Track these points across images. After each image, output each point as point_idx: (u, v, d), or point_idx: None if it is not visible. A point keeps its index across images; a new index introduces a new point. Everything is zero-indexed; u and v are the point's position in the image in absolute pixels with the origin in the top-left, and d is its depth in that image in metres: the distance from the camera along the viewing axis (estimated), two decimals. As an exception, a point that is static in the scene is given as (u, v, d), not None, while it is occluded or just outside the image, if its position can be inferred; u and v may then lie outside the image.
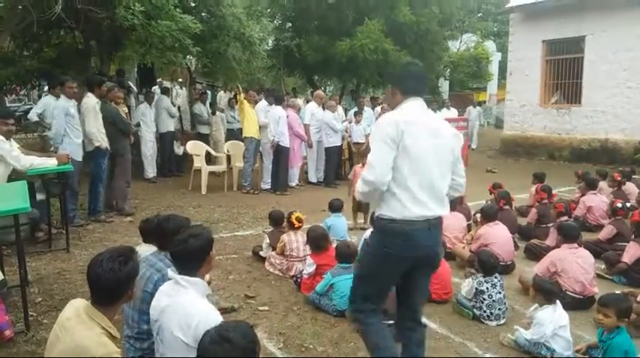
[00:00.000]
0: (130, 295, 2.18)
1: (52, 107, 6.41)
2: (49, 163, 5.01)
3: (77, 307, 2.10)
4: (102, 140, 6.42)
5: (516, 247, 5.57)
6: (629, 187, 7.43)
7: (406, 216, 2.58)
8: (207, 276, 3.79)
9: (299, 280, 4.47)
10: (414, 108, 2.70)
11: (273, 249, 5.04)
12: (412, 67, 2.91)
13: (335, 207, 5.78)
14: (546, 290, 3.49)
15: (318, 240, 4.37)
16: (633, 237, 4.97)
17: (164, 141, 9.95)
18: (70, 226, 5.88)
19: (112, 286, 2.10)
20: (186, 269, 2.44)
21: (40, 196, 5.64)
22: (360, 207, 6.46)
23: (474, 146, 15.78)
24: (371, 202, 2.87)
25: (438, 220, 2.71)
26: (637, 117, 11.85)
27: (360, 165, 6.56)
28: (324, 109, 9.80)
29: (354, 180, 6.41)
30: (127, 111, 7.52)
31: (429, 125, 2.66)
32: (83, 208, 6.66)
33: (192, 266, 2.45)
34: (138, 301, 2.77)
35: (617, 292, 4.01)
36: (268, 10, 14.13)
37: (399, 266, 2.70)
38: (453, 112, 13.36)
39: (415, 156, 2.56)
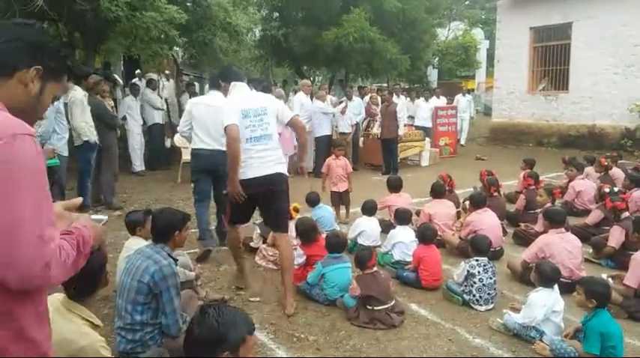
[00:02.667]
0: (104, 282, 2.23)
1: None
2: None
3: (54, 302, 2.11)
4: (90, 134, 6.34)
5: (505, 233, 5.62)
6: (616, 172, 7.50)
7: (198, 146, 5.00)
8: (196, 269, 3.79)
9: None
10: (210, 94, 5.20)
11: (264, 240, 5.03)
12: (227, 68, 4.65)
13: (313, 201, 5.76)
14: (544, 273, 3.52)
15: (307, 232, 4.37)
16: (622, 220, 5.03)
17: (151, 133, 9.87)
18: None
19: (87, 279, 2.10)
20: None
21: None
22: (340, 200, 6.42)
23: (462, 142, 14.27)
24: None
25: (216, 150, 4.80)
26: (624, 102, 11.94)
27: (333, 156, 6.54)
28: (312, 99, 9.77)
29: (329, 173, 6.42)
30: (112, 104, 7.44)
31: (208, 102, 5.00)
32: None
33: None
34: (132, 293, 2.77)
35: (603, 275, 4.08)
36: (255, 0, 14.01)
37: (201, 174, 5.09)
38: (442, 101, 13.37)
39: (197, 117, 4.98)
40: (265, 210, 4.09)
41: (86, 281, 2.13)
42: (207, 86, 15.17)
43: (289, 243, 4.16)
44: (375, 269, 3.93)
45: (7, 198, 1.19)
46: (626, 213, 5.13)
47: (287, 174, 4.02)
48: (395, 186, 6.05)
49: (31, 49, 1.39)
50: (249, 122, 3.81)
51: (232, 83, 4.09)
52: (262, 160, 3.82)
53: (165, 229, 3.00)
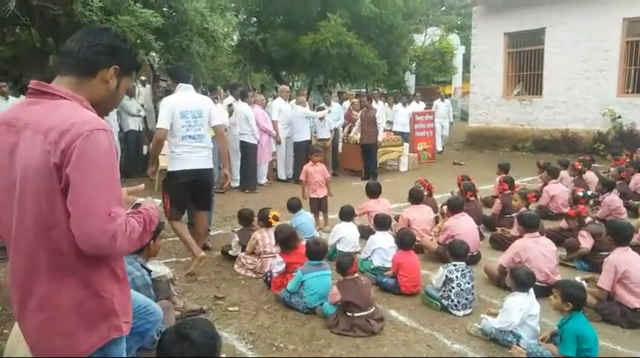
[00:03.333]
0: None
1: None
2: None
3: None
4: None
5: (482, 237, 5.69)
6: (589, 176, 7.67)
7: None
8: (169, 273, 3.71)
9: (269, 279, 4.44)
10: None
11: (243, 248, 4.99)
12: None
13: (294, 207, 5.75)
14: (519, 277, 3.56)
15: (287, 240, 4.35)
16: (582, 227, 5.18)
17: (127, 140, 9.72)
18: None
19: None
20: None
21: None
22: (320, 206, 6.41)
23: (440, 148, 13.79)
24: None
25: None
26: (596, 107, 12.22)
27: (311, 163, 6.53)
28: (290, 104, 9.78)
29: (307, 180, 6.40)
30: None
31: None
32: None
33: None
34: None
35: (578, 278, 4.16)
36: (232, 5, 13.95)
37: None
38: (420, 106, 13.47)
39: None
40: (194, 196, 4.74)
41: None
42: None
43: (204, 217, 5.01)
44: (356, 275, 3.92)
45: (85, 182, 1.48)
46: (589, 219, 5.27)
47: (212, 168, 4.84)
48: (374, 192, 6.07)
49: (109, 50, 1.67)
50: (185, 122, 4.48)
51: (179, 84, 4.65)
52: (194, 155, 4.56)
53: None
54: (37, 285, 1.58)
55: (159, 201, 2.00)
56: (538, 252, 4.33)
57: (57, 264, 1.56)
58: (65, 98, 1.59)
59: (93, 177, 1.49)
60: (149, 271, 2.95)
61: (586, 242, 4.92)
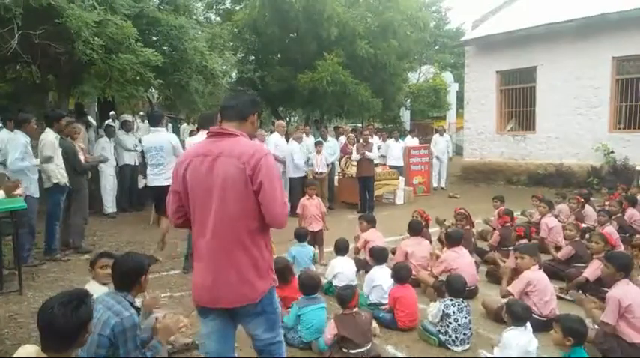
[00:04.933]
0: (82, 340, 2.10)
1: (6, 141, 6.09)
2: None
3: (29, 352, 2.02)
4: (61, 176, 6.24)
5: (477, 267, 5.65)
6: (587, 210, 7.73)
7: None
8: (159, 314, 3.59)
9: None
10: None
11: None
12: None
13: (300, 236, 5.74)
14: (515, 313, 3.54)
15: (281, 272, 4.31)
16: (600, 255, 5.12)
17: (122, 174, 9.76)
18: (24, 266, 5.64)
19: (64, 332, 2.02)
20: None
21: (-10, 236, 5.42)
22: (315, 240, 6.36)
23: (443, 185, 13.49)
24: None
25: None
26: (588, 142, 12.39)
27: (307, 197, 6.56)
28: (287, 139, 9.86)
29: (303, 213, 6.42)
30: (83, 146, 7.35)
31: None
32: (38, 247, 6.39)
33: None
34: (93, 346, 2.65)
35: (567, 297, 4.10)
36: (231, 44, 14.28)
37: None
38: (415, 141, 13.62)
39: None
40: (157, 203, 6.65)
41: (63, 333, 2.02)
42: (182, 126, 15.26)
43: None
44: (356, 309, 3.86)
45: (271, 184, 2.38)
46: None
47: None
48: (370, 221, 6.10)
49: (253, 103, 2.64)
50: (150, 154, 6.20)
51: (152, 128, 6.38)
52: (156, 177, 6.18)
53: (130, 275, 2.91)
54: (231, 254, 2.42)
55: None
56: (546, 282, 4.32)
57: (245, 240, 2.43)
58: (238, 136, 2.50)
59: (274, 180, 2.42)
60: (138, 310, 2.91)
61: (591, 270, 4.92)
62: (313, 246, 6.31)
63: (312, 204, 6.46)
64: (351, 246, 6.22)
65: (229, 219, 2.40)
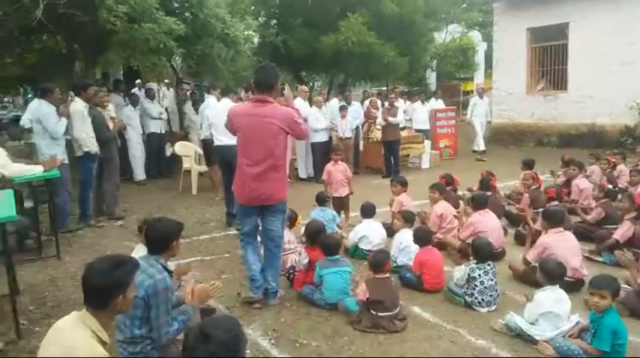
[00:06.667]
0: (124, 303, 2.16)
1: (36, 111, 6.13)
2: (36, 170, 5.00)
3: (73, 314, 2.13)
4: (91, 145, 6.37)
5: (505, 233, 5.61)
6: (622, 170, 7.53)
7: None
8: (190, 279, 3.68)
9: (292, 276, 4.48)
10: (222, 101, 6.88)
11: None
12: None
13: (321, 200, 5.79)
14: (550, 271, 3.52)
15: (314, 234, 4.37)
16: (631, 216, 5.02)
17: (149, 142, 9.89)
18: (63, 232, 5.86)
19: (100, 288, 2.10)
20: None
21: (28, 204, 5.61)
22: (342, 205, 6.42)
23: (482, 147, 12.57)
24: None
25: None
26: (622, 100, 11.90)
27: (332, 163, 6.54)
28: (310, 104, 9.80)
29: (329, 179, 6.43)
30: (114, 115, 7.45)
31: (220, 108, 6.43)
32: (73, 214, 6.61)
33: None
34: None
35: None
36: (252, 8, 14.06)
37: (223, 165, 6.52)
38: (439, 103, 13.35)
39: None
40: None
41: (99, 289, 2.09)
42: (205, 94, 15.24)
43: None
44: (388, 274, 3.90)
45: (297, 127, 3.97)
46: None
47: None
48: (403, 183, 6.13)
49: (275, 74, 4.00)
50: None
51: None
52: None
53: (162, 239, 2.98)
54: (268, 173, 3.86)
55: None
56: (564, 247, 4.26)
57: (276, 164, 3.88)
58: (273, 103, 3.88)
59: (298, 123, 3.93)
60: (170, 273, 3.00)
61: (621, 232, 4.88)
62: (340, 211, 6.37)
63: (338, 170, 6.46)
64: (384, 209, 6.26)
65: (267, 153, 3.84)
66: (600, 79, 12.28)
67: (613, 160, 7.69)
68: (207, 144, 7.65)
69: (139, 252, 3.44)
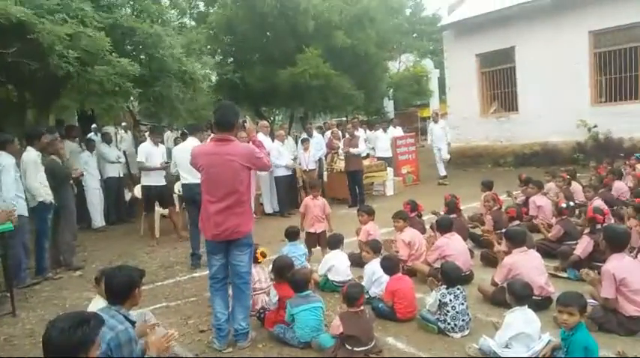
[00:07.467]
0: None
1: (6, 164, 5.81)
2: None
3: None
4: (46, 194, 6.14)
5: (472, 255, 5.67)
6: (574, 186, 7.79)
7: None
8: (154, 328, 3.52)
9: (262, 315, 4.37)
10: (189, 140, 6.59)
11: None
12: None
13: (291, 235, 5.71)
14: (516, 291, 3.54)
15: (281, 269, 4.30)
16: (587, 231, 5.15)
17: (107, 187, 9.62)
18: (20, 287, 5.57)
19: (62, 348, 1.99)
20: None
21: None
22: (318, 242, 6.26)
23: (443, 173, 12.55)
24: None
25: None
26: (570, 118, 12.36)
27: (311, 197, 6.49)
28: (272, 139, 9.81)
29: (306, 213, 6.34)
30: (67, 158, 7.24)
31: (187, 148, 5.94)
32: (29, 267, 6.29)
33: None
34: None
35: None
36: (208, 47, 14.15)
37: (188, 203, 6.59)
38: (398, 131, 13.60)
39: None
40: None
41: (62, 350, 2.02)
42: (165, 133, 15.07)
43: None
44: (362, 308, 3.84)
45: (257, 162, 4.02)
46: (599, 226, 5.24)
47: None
48: (370, 213, 6.11)
49: (235, 112, 4.05)
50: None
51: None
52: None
53: (122, 288, 2.87)
54: (232, 208, 3.87)
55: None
56: (529, 266, 4.33)
57: (240, 199, 3.88)
58: (234, 141, 3.93)
59: (259, 158, 3.97)
60: (132, 323, 2.87)
61: (582, 248, 4.96)
62: (311, 248, 6.23)
63: (316, 205, 6.32)
64: (352, 239, 6.21)
65: (229, 190, 3.85)
66: (549, 98, 12.81)
67: (567, 177, 7.94)
68: (145, 189, 7.97)
69: (97, 304, 3.28)
